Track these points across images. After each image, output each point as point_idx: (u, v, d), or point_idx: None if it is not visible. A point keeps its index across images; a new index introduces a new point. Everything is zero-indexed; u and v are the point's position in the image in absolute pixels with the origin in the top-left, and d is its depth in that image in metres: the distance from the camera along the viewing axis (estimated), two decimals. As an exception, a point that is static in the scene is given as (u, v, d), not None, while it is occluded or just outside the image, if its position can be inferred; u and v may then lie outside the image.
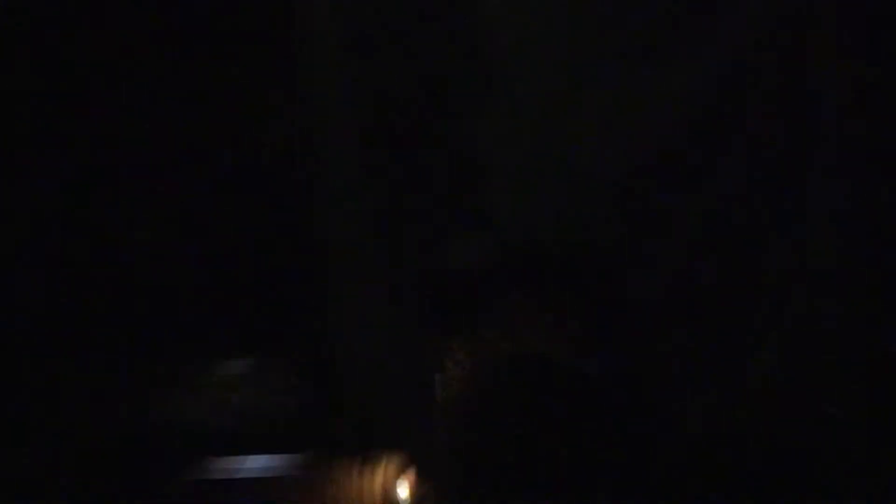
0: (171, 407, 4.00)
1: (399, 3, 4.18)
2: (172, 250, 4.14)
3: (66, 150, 4.11)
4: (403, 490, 3.73)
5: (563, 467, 3.52)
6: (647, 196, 4.06)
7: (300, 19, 4.13)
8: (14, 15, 4.04)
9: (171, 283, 4.08)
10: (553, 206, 4.07)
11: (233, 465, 3.85)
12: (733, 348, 4.01)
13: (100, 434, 3.87)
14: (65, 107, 4.09)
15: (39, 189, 4.08)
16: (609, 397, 3.77)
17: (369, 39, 4.22)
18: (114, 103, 4.12)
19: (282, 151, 4.22)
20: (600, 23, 4.21)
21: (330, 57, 4.24)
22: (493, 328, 3.68)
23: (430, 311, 3.95)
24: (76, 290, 4.06)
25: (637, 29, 4.18)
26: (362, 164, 4.10)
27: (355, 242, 4.09)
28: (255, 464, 3.85)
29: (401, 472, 3.75)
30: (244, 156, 4.23)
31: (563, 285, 3.87)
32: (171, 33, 4.13)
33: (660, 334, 3.98)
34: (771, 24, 4.11)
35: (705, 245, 4.04)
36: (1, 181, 4.03)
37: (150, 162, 4.17)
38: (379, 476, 3.75)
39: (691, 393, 3.93)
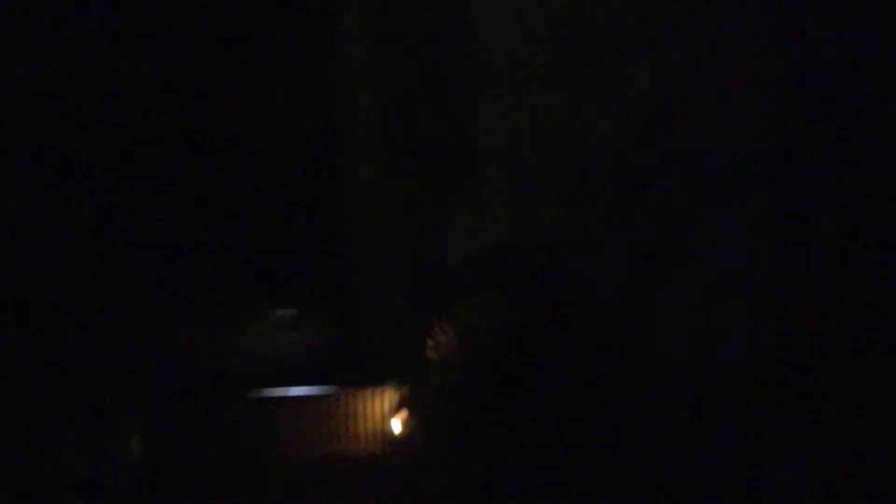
0: (228, 344, 5.15)
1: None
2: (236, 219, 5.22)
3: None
4: (397, 425, 4.87)
5: (537, 408, 4.60)
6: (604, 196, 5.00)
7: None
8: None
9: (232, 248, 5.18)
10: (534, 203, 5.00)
11: (274, 392, 5.00)
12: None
13: (174, 364, 5.03)
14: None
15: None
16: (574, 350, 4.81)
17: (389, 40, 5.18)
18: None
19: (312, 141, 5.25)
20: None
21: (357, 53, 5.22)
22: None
23: (425, 288, 5.01)
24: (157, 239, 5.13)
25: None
26: (381, 168, 5.13)
27: (374, 223, 5.17)
28: (291, 392, 5.00)
29: (396, 410, 4.88)
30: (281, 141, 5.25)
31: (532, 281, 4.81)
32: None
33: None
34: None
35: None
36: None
37: (201, 130, 5.21)
38: (385, 404, 4.91)
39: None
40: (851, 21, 4.76)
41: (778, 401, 4.67)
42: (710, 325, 4.80)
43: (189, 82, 5.06)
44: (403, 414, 4.84)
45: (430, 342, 4.63)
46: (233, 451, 4.77)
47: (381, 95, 5.24)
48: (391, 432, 4.84)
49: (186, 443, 4.82)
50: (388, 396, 4.91)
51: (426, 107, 5.11)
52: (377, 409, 4.89)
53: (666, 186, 5.01)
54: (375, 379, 4.98)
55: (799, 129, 4.85)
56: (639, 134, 5.08)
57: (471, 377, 4.50)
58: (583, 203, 4.99)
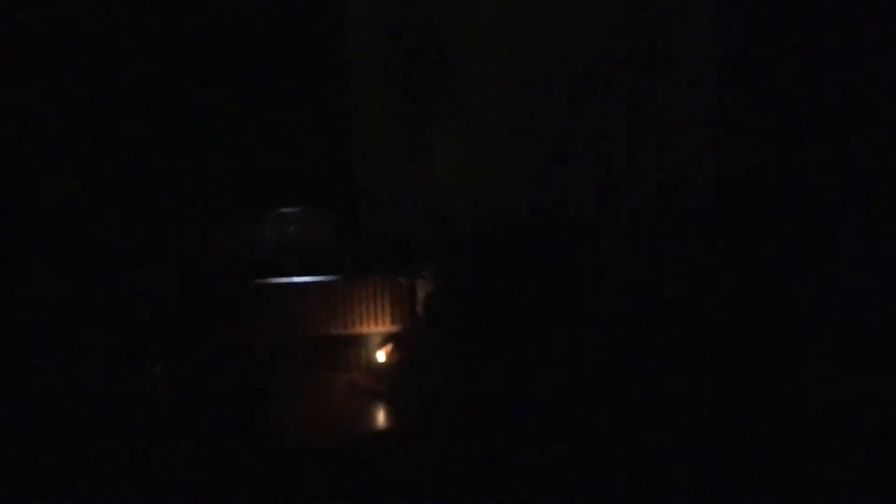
0: (249, 237, 5.94)
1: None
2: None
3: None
4: (381, 356, 5.69)
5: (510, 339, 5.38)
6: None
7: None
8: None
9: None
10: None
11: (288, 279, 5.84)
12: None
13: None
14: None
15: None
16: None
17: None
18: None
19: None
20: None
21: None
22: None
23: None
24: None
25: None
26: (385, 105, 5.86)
27: (373, 137, 5.91)
28: (298, 280, 5.83)
29: (383, 345, 5.73)
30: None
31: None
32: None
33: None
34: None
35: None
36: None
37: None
38: (378, 291, 5.74)
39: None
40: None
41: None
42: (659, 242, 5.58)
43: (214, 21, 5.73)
44: (388, 347, 5.76)
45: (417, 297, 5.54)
46: (249, 330, 5.61)
47: (381, 34, 5.90)
48: (376, 361, 5.81)
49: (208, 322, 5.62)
50: (380, 284, 5.73)
51: (418, 42, 5.76)
52: (371, 295, 5.73)
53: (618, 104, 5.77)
54: (371, 269, 5.79)
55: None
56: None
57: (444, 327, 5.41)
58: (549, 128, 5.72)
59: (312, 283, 5.86)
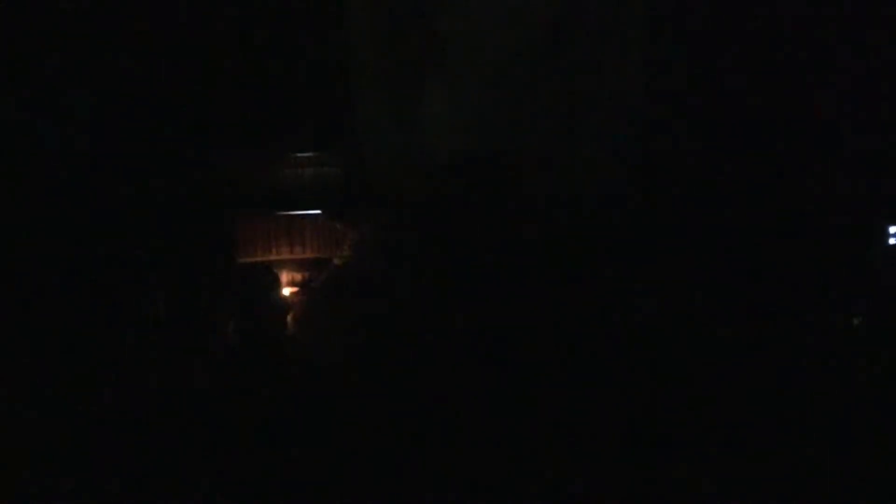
0: (266, 173, 6.94)
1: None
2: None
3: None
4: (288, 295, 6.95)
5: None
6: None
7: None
8: None
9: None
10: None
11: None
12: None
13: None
14: None
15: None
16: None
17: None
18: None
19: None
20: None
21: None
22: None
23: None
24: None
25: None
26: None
27: (372, 89, 6.87)
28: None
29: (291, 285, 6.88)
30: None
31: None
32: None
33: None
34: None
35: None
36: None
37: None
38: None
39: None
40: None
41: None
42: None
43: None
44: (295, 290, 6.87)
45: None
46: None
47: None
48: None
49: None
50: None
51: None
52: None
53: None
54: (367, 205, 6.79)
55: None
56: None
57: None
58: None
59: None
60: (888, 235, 6.12)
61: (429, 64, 6.80)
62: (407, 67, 6.79)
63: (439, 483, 4.63)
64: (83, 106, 6.37)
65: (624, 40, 6.77)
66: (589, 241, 6.40)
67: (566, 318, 5.90)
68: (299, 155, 7.09)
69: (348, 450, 4.90)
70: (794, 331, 5.52)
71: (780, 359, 5.27)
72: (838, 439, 4.64)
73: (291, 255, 6.98)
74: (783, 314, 5.62)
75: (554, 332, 5.82)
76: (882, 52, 6.31)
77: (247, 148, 6.86)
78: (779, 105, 6.28)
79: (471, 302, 6.07)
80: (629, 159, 6.64)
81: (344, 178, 7.00)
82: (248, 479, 4.78)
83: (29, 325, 5.68)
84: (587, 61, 6.72)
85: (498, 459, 4.75)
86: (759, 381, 5.10)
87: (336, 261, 6.85)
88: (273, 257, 6.97)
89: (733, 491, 4.30)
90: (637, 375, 5.32)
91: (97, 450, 4.95)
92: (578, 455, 4.74)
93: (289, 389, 5.67)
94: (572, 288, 6.03)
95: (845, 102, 6.25)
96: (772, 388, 5.04)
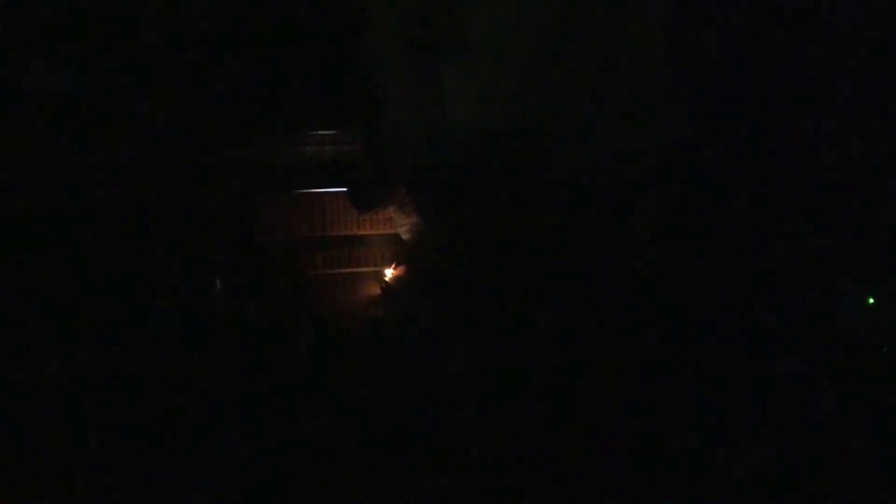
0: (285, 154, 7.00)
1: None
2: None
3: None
4: (389, 271, 6.81)
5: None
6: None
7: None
8: None
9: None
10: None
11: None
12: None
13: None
14: None
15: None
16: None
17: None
18: None
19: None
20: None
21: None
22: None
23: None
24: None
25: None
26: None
27: (390, 73, 6.87)
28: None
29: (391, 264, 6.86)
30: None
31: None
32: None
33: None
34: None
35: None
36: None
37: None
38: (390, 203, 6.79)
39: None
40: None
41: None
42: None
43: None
44: (395, 267, 6.95)
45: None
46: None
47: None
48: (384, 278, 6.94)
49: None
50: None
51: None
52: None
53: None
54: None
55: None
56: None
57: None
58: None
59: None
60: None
61: (450, 40, 6.77)
62: (428, 43, 6.76)
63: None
64: (107, 87, 6.46)
65: (649, 15, 6.69)
66: (611, 220, 6.46)
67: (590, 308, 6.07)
68: (320, 133, 7.14)
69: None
70: (799, 332, 5.48)
71: (782, 359, 5.26)
72: (838, 439, 4.65)
73: (312, 234, 7.07)
74: (788, 314, 5.59)
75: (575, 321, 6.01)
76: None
77: (268, 127, 6.93)
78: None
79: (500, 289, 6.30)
80: (652, 138, 6.59)
81: (366, 155, 7.06)
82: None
83: (53, 315, 5.90)
84: (610, 38, 6.65)
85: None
86: (761, 380, 5.10)
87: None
88: (295, 236, 7.07)
89: (733, 490, 4.31)
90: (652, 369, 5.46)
91: (112, 441, 5.21)
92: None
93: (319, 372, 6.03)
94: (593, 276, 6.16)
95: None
96: (772, 387, 5.04)
